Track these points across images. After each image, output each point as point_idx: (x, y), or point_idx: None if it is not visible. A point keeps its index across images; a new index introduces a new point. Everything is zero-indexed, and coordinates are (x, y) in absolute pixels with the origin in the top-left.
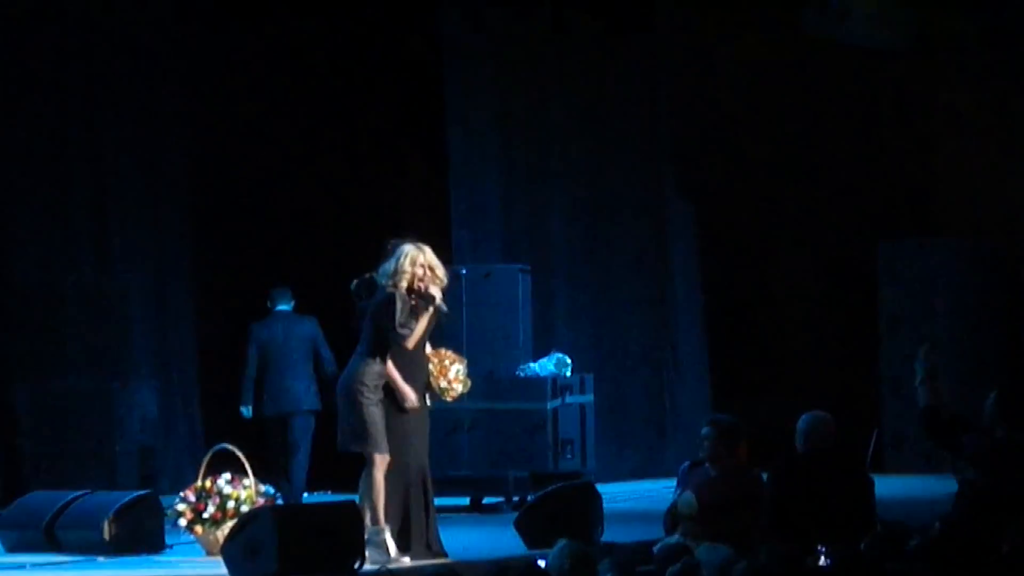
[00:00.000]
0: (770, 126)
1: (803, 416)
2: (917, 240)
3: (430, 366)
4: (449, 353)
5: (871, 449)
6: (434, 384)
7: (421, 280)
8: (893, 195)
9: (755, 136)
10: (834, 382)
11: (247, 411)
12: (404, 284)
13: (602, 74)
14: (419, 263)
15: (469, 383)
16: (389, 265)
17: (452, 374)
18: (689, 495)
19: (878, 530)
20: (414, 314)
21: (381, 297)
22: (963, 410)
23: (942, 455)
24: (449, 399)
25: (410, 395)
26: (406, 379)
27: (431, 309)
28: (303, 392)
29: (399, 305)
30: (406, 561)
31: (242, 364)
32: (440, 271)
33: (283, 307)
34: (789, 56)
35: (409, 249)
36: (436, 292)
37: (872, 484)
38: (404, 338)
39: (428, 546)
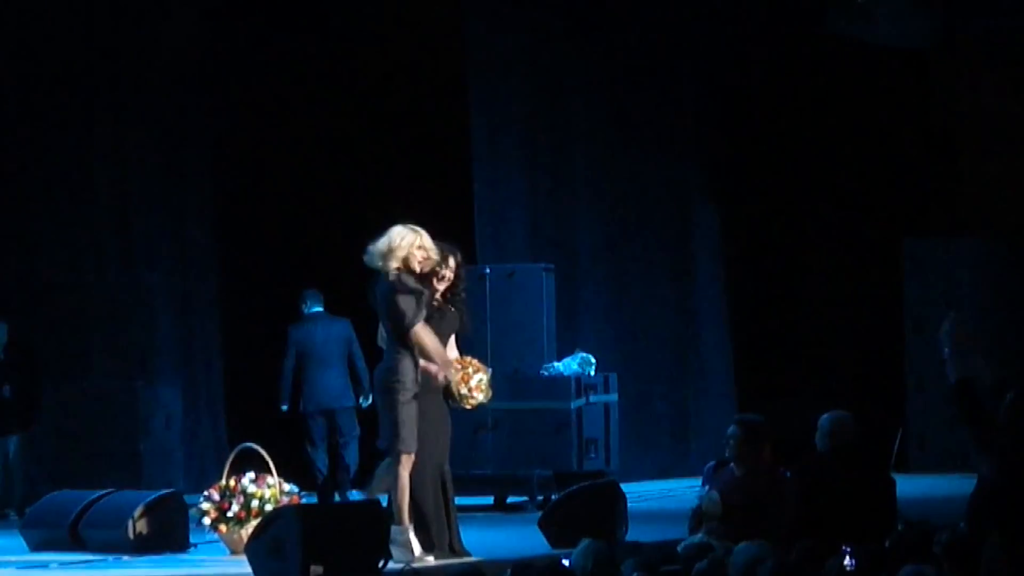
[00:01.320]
0: (795, 125)
1: (824, 416)
2: (943, 238)
3: (452, 371)
4: (475, 362)
5: (895, 448)
6: (454, 390)
7: (421, 263)
8: (919, 193)
9: (780, 136)
10: (859, 381)
11: (286, 408)
12: (395, 265)
13: (626, 73)
14: (416, 246)
15: (491, 394)
16: (380, 245)
17: (474, 382)
18: (715, 494)
19: (900, 529)
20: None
21: (384, 289)
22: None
23: (966, 451)
24: (468, 406)
25: (435, 369)
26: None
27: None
28: (343, 389)
29: (402, 297)
30: (430, 560)
31: (279, 364)
32: (435, 254)
33: (317, 308)
34: (814, 55)
35: (402, 231)
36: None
37: (894, 483)
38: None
39: (450, 546)
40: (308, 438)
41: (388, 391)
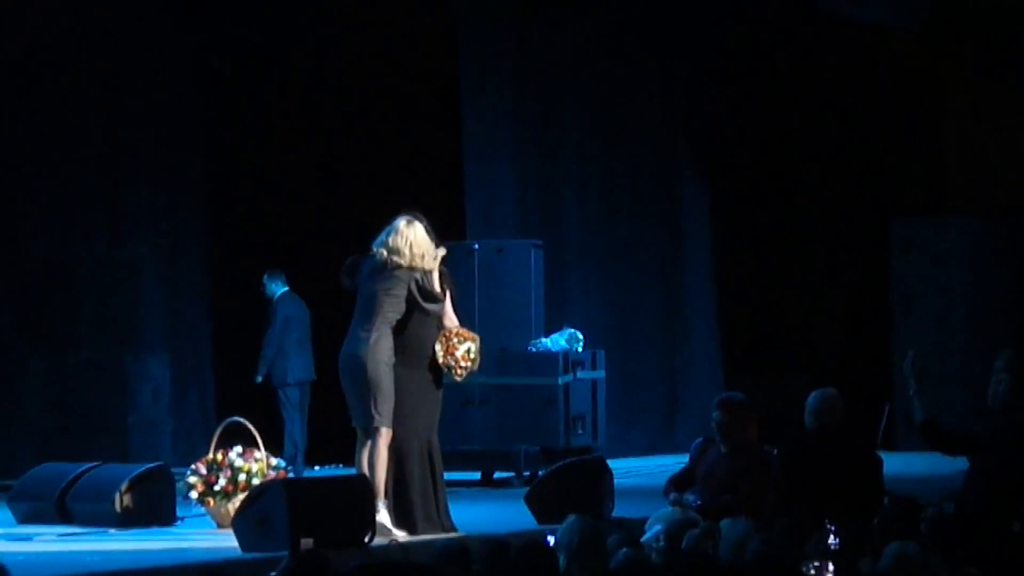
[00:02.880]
0: (783, 103)
1: (812, 393)
2: (930, 218)
3: (437, 345)
4: (462, 331)
5: (882, 426)
6: (441, 363)
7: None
8: (906, 173)
9: (768, 113)
10: (846, 359)
11: (260, 379)
12: (405, 263)
13: (615, 50)
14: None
15: (478, 361)
16: (397, 241)
17: (460, 352)
18: (689, 502)
19: (886, 506)
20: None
21: (398, 274)
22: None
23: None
24: (457, 378)
25: None
26: (414, 350)
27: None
28: (310, 363)
29: (416, 283)
30: (401, 536)
31: (263, 336)
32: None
33: (284, 288)
34: (802, 33)
35: (416, 230)
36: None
37: (881, 462)
38: (432, 312)
39: (437, 521)
40: (285, 409)
41: (363, 369)
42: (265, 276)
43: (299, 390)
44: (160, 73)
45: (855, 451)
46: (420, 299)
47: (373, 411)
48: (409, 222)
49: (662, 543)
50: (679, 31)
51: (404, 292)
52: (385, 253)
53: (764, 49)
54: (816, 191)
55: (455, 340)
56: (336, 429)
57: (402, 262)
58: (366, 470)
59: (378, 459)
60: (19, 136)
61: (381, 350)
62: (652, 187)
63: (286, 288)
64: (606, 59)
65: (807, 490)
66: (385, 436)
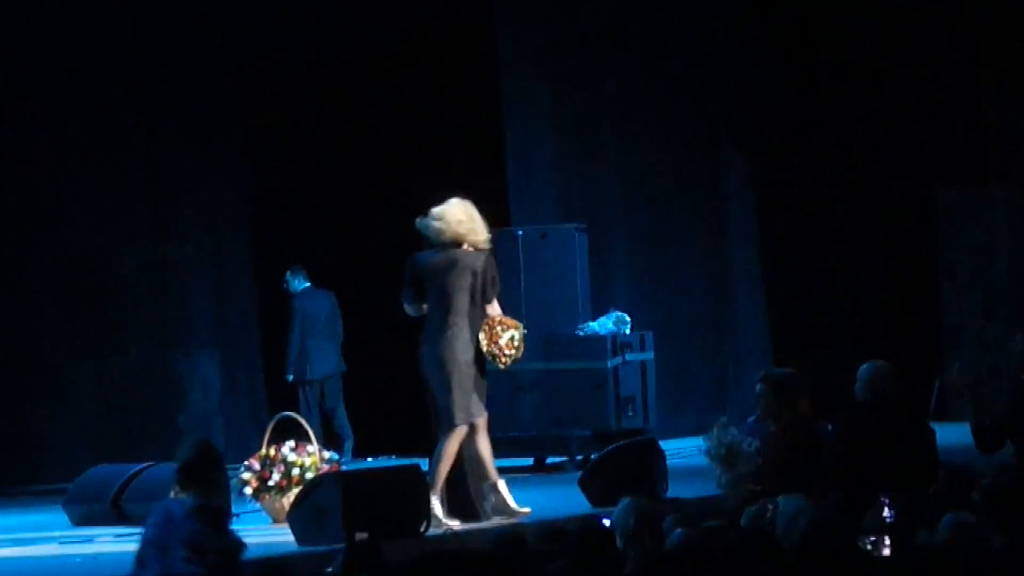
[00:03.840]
0: (824, 77)
1: (863, 366)
2: (973, 186)
3: (480, 334)
4: (505, 319)
5: (934, 396)
6: (485, 351)
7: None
8: (947, 141)
9: (810, 87)
10: (895, 331)
11: (292, 377)
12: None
13: (655, 29)
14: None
15: (522, 349)
16: (471, 224)
17: (504, 340)
18: (755, 443)
19: (941, 478)
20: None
21: (475, 260)
22: None
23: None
24: (500, 366)
25: None
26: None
27: None
28: (338, 357)
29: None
30: (455, 525)
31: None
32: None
33: (306, 283)
34: (843, 4)
35: (467, 207)
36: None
37: (934, 433)
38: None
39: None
40: (304, 405)
41: (438, 364)
42: (288, 272)
43: (320, 386)
44: (201, 70)
45: (908, 422)
46: (487, 288)
47: (452, 408)
48: (461, 199)
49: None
50: (720, 7)
51: (471, 281)
52: (439, 225)
53: (804, 20)
54: (859, 163)
55: (498, 328)
56: (389, 420)
57: (460, 230)
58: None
59: (445, 454)
60: (60, 138)
61: (459, 346)
62: (694, 165)
63: (308, 284)
64: (645, 38)
65: (861, 463)
66: (459, 433)
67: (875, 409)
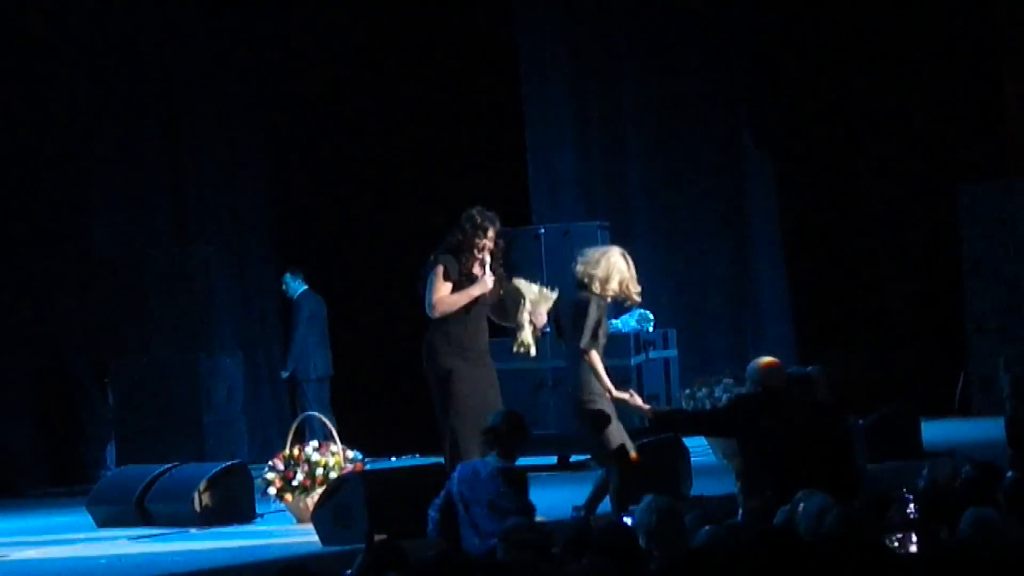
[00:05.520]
0: (845, 73)
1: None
2: (995, 181)
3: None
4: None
5: (958, 391)
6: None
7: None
8: (969, 137)
9: (831, 82)
10: (918, 326)
11: (287, 375)
12: (604, 293)
13: (675, 27)
14: (622, 280)
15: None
16: (598, 268)
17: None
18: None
19: (965, 472)
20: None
21: (582, 300)
22: None
23: None
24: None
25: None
26: (473, 345)
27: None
28: (330, 359)
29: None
30: None
31: (293, 332)
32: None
33: (304, 286)
34: (863, 2)
35: (618, 259)
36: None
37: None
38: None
39: None
40: (306, 402)
41: (580, 407)
42: (288, 275)
43: (319, 386)
44: (223, 69)
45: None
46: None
47: (608, 446)
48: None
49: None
50: (741, 4)
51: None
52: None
53: (827, 18)
54: (880, 160)
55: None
56: (413, 420)
57: (587, 283)
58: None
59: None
60: (81, 137)
61: (591, 383)
62: (716, 163)
63: (306, 287)
64: (666, 36)
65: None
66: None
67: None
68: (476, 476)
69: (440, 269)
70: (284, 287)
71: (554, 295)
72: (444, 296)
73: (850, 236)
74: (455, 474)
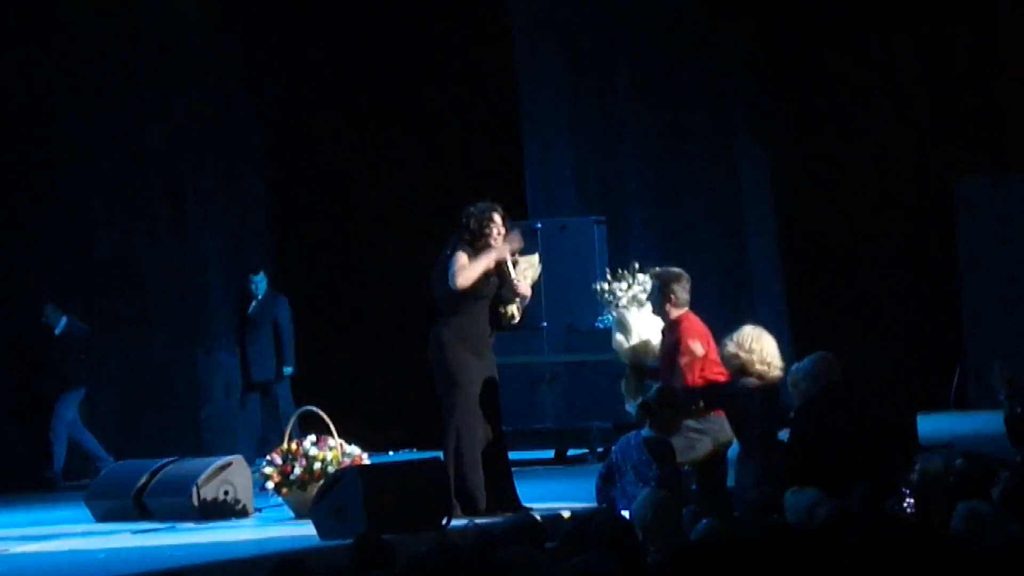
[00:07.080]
0: (839, 68)
1: (804, 359)
2: (991, 175)
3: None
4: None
5: (954, 385)
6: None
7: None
8: (965, 132)
9: (825, 79)
10: (915, 321)
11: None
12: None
13: (672, 22)
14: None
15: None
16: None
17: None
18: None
19: (959, 465)
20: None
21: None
22: None
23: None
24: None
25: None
26: (476, 337)
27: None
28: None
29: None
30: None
31: (282, 330)
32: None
33: (267, 287)
34: None
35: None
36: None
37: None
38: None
39: (510, 503)
40: (280, 400)
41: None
42: (260, 274)
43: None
44: (220, 67)
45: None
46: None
47: None
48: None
49: None
50: (734, 2)
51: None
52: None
53: (822, 11)
54: (876, 153)
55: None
56: (412, 414)
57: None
58: None
59: None
60: (79, 134)
61: None
62: (711, 158)
63: (268, 288)
64: (660, 32)
65: (823, 456)
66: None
67: (825, 400)
68: (628, 444)
69: (460, 254)
70: (253, 287)
71: (540, 266)
72: (464, 263)
73: (845, 230)
74: (615, 445)
